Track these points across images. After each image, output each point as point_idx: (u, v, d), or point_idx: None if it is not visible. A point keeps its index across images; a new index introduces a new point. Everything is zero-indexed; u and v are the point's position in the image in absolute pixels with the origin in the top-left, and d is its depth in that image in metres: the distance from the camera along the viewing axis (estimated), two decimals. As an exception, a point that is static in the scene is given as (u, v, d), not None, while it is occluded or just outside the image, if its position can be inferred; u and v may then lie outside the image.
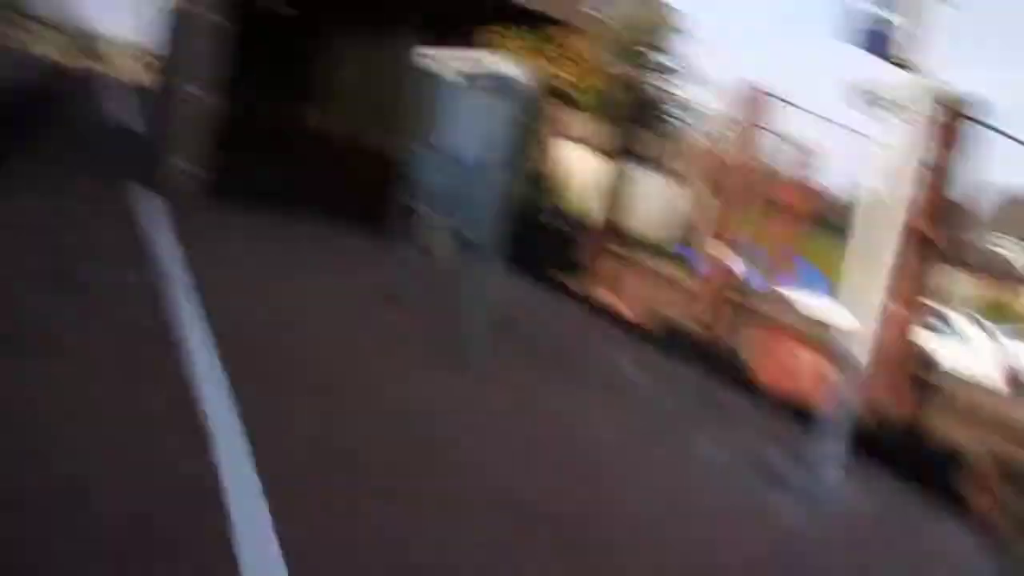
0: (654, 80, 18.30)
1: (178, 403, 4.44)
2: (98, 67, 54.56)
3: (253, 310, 6.97)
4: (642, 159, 18.01)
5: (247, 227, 11.02)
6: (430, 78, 8.73)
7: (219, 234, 10.03)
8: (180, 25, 15.74)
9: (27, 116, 16.71)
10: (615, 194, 16.74)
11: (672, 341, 12.21)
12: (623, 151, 17.10)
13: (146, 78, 34.84)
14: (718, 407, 8.44)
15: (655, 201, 26.36)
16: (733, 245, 12.60)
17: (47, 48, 23.39)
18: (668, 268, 15.76)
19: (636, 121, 17.28)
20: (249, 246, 9.83)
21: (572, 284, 15.79)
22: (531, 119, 7.26)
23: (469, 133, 7.77)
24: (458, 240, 8.18)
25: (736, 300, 12.41)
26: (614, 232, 16.20)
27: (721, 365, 11.38)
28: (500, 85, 7.43)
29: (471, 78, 8.03)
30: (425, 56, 8.91)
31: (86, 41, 48.88)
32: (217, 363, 5.27)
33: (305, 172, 17.87)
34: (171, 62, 14.14)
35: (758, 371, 11.22)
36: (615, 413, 7.01)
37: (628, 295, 14.62)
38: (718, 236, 12.69)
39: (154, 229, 8.65)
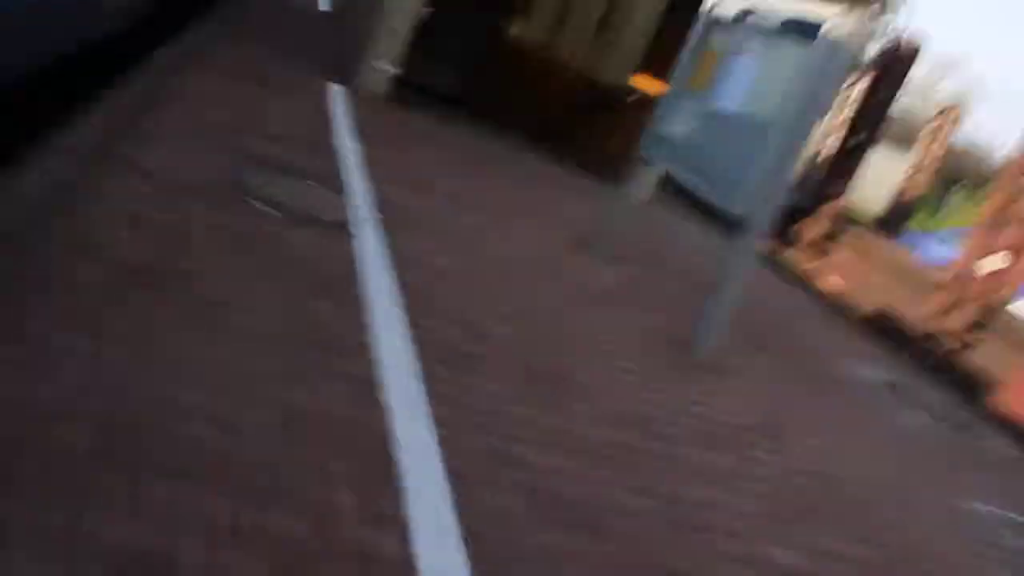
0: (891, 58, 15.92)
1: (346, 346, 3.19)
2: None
3: (430, 235, 5.68)
4: (877, 132, 15.79)
5: (435, 137, 9.77)
6: (694, 9, 7.18)
7: (406, 143, 8.75)
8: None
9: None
10: (844, 165, 14.69)
11: (902, 342, 10.42)
12: (857, 120, 14.94)
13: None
14: (973, 438, 6.88)
15: (887, 176, 23.80)
16: (996, 246, 10.51)
17: None
18: (898, 253, 13.69)
19: (876, 92, 15.05)
20: (436, 159, 8.54)
21: (791, 259, 14.01)
22: (835, 77, 5.51)
23: (747, 84, 6.16)
24: (702, 207, 6.63)
25: (991, 309, 10.39)
26: (840, 206, 14.20)
27: (960, 381, 9.60)
28: (800, 30, 5.80)
29: (757, 17, 6.38)
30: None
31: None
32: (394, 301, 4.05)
33: (509, 88, 16.56)
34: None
35: (1012, 399, 9.32)
36: (866, 440, 5.58)
37: (852, 279, 12.73)
38: (983, 233, 10.63)
39: (342, 134, 7.43)
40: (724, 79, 6.47)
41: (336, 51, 12.57)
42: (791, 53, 5.80)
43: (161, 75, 7.03)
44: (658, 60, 11.89)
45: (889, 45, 15.57)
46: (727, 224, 6.19)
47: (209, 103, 6.77)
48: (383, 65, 9.99)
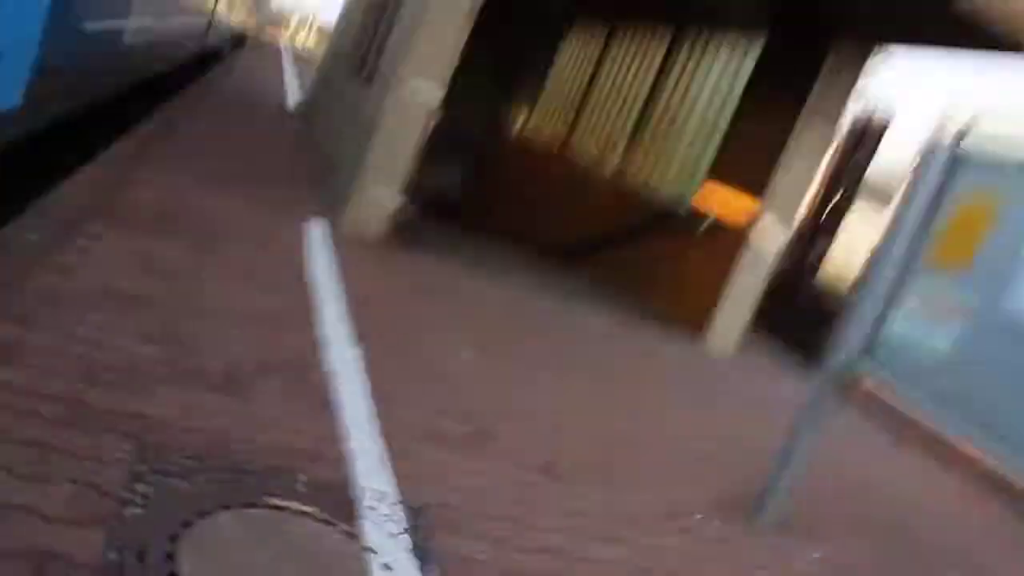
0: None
1: None
2: (280, 38, 52.17)
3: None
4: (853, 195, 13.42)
5: (458, 298, 6.86)
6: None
7: (422, 323, 5.83)
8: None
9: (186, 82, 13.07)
10: (822, 231, 11.99)
11: None
12: (831, 185, 12.39)
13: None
14: None
15: (865, 238, 20.94)
16: None
17: (235, 14, 20.21)
18: None
19: (848, 159, 12.84)
20: (468, 345, 5.57)
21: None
22: None
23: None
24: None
25: None
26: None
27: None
28: None
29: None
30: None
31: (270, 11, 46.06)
32: None
33: (524, 200, 13.71)
34: (375, 43, 10.02)
35: None
36: None
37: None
38: None
39: (329, 333, 4.55)
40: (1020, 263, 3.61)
41: (313, 172, 9.67)
42: None
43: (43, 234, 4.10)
44: (734, 168, 9.15)
45: (861, 116, 13.26)
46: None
47: (99, 296, 3.80)
48: (382, 195, 7.10)
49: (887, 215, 18.96)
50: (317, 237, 6.54)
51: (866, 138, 12.41)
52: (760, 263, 8.57)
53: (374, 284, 6.16)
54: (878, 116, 12.19)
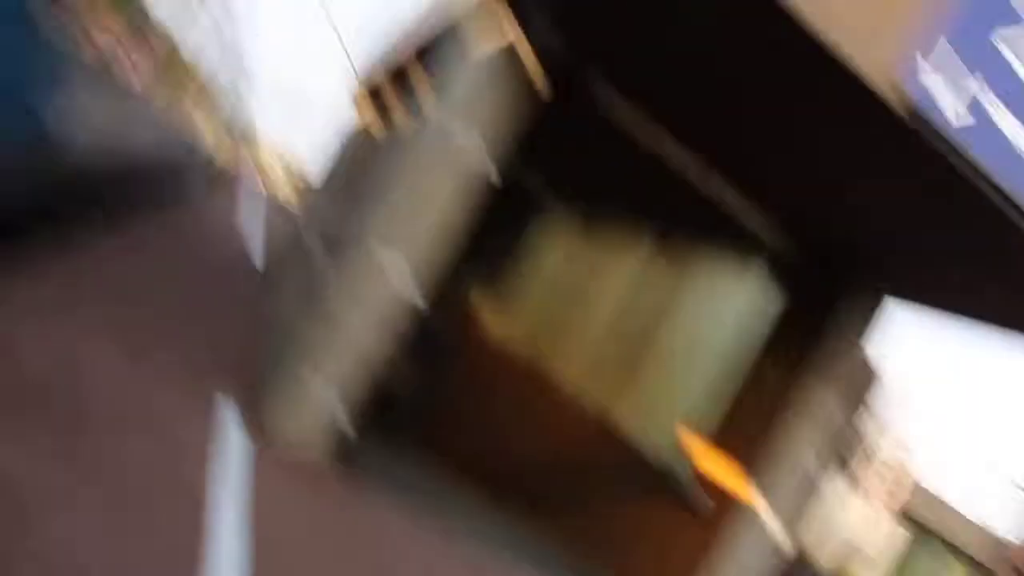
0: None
1: None
2: (246, 167, 50.36)
3: None
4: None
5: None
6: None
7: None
8: (395, 157, 10.49)
9: (130, 201, 11.61)
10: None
11: None
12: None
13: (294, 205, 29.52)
14: None
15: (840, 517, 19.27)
16: None
17: (201, 122, 18.80)
18: None
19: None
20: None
21: None
22: None
23: None
24: None
25: None
26: None
27: None
28: None
29: None
30: None
31: (241, 131, 43.57)
32: None
33: (492, 427, 12.06)
34: (349, 204, 8.69)
35: None
36: None
37: None
38: None
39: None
40: None
41: (253, 356, 8.04)
42: None
43: None
44: (736, 426, 7.69)
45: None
46: None
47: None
48: (324, 395, 5.52)
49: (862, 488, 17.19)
50: (228, 436, 4.89)
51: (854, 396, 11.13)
52: (754, 557, 6.97)
53: (291, 535, 4.47)
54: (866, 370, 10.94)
